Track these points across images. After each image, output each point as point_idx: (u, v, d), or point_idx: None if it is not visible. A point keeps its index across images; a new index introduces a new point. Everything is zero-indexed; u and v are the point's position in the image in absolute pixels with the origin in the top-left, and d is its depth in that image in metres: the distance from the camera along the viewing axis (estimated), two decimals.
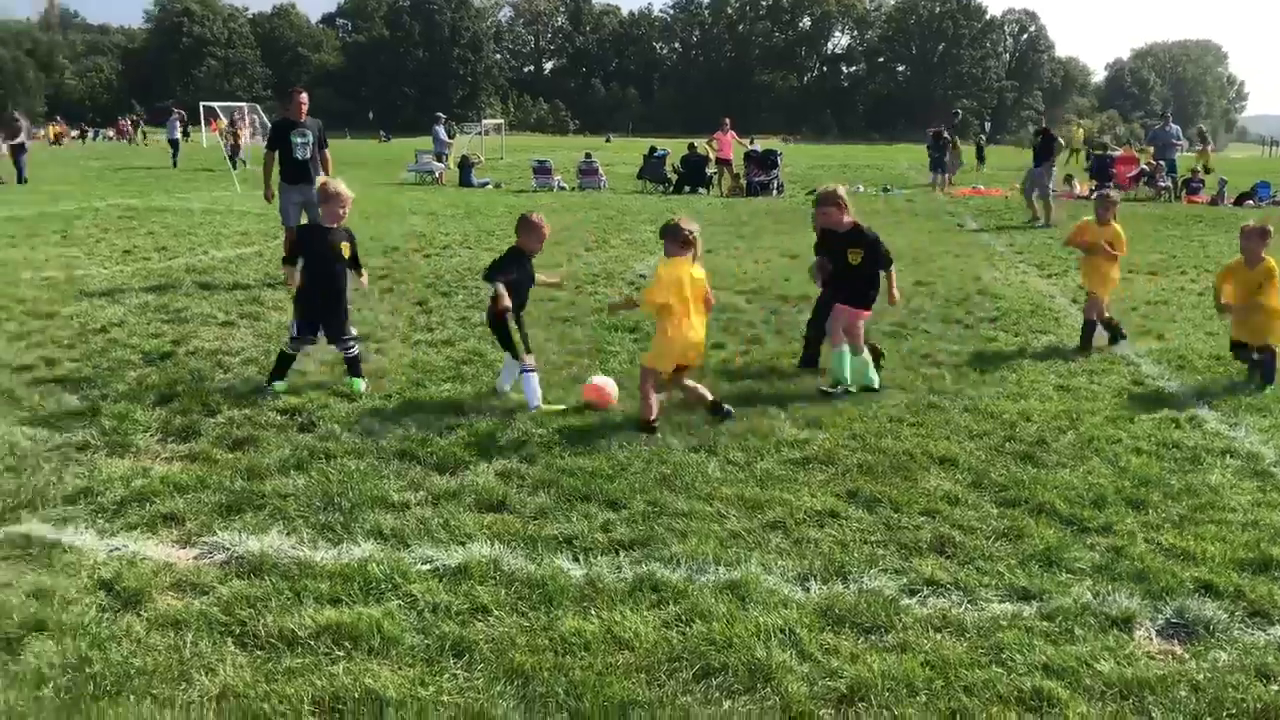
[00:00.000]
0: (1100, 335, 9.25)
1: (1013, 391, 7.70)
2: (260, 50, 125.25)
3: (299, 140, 11.54)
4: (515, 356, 7.21)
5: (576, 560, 4.68)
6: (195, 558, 4.68)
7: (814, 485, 5.68)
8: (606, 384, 7.20)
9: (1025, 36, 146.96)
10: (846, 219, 7.74)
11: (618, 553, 4.76)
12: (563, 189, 29.38)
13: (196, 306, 10.38)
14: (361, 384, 7.37)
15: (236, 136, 37.14)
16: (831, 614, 4.18)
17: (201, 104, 46.53)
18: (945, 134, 30.56)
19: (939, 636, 4.03)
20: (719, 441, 6.36)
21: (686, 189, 28.59)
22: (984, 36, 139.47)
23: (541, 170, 30.44)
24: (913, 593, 4.43)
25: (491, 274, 7.18)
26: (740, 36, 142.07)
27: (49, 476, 5.59)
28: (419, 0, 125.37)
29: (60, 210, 20.07)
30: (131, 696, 3.50)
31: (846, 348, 7.54)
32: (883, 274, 7.72)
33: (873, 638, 4.02)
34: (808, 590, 4.42)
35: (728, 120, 28.36)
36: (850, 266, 7.70)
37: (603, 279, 12.77)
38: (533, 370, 7.15)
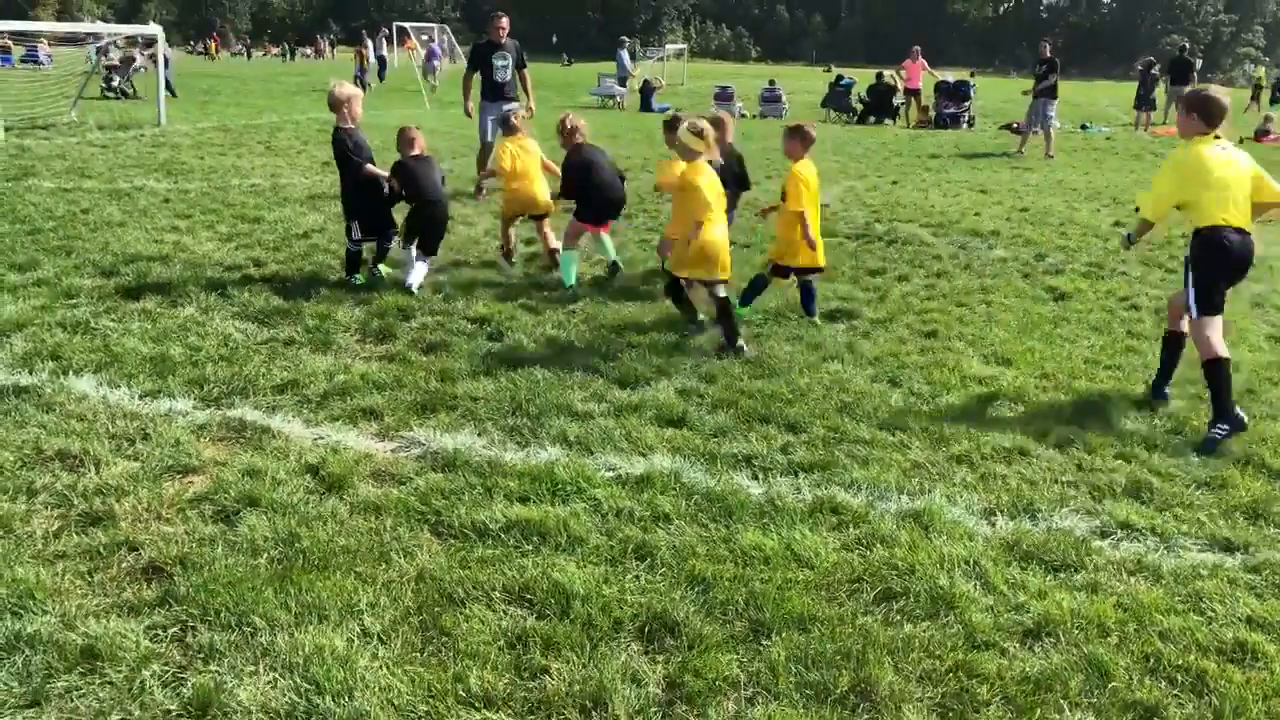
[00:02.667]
0: None
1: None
2: None
3: (499, 63, 12.17)
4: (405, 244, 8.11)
5: (756, 479, 4.70)
6: (393, 450, 4.92)
7: (1002, 422, 5.51)
8: None
9: None
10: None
11: (797, 474, 4.75)
12: (743, 116, 29.01)
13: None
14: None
15: (363, 57, 36.35)
16: (1018, 549, 4.08)
17: (395, 24, 47.78)
18: (1155, 70, 28.60)
19: (1133, 580, 3.89)
20: (903, 374, 6.25)
21: (872, 119, 27.80)
22: None
23: (723, 96, 30.12)
24: (1105, 535, 4.28)
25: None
26: None
27: (259, 368, 5.96)
28: None
29: (264, 123, 21.09)
30: (337, 572, 3.73)
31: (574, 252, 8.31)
32: None
33: (1061, 576, 3.91)
34: (994, 525, 4.32)
35: (917, 49, 27.22)
36: None
37: None
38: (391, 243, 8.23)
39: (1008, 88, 54.56)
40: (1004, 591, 3.75)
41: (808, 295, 7.42)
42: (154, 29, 22.66)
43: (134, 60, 28.40)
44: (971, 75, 35.14)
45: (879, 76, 28.93)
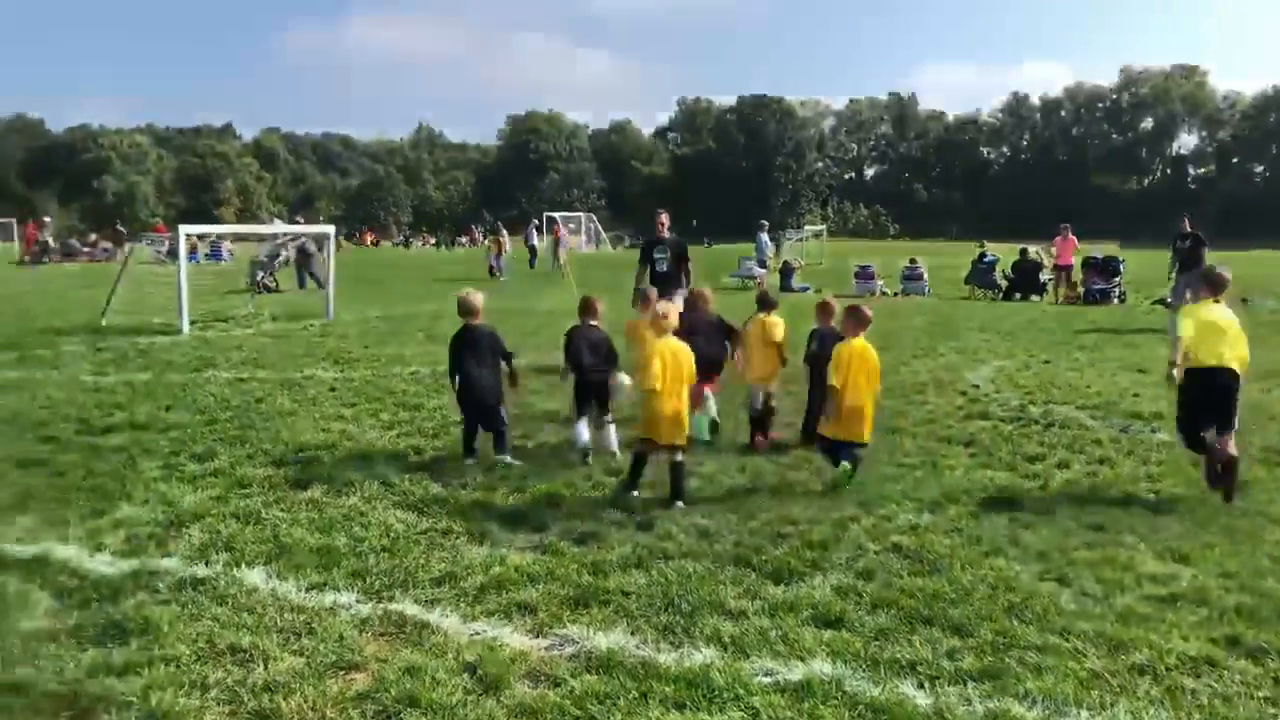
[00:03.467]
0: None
1: None
2: (597, 163, 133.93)
3: (659, 255, 13.38)
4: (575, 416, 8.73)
5: (922, 688, 4.49)
6: (547, 648, 4.91)
7: (1184, 627, 5.16)
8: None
9: None
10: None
11: (966, 684, 4.53)
12: (884, 294, 29.11)
13: (543, 404, 11.08)
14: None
15: (500, 245, 37.83)
16: None
17: (544, 214, 50.26)
18: None
19: None
20: (1072, 571, 5.96)
21: (1017, 295, 27.51)
22: None
23: (863, 275, 30.39)
24: None
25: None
26: (1074, 139, 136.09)
27: (419, 559, 6.09)
28: (745, 113, 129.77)
29: (423, 311, 22.18)
30: None
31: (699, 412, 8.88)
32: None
33: None
34: None
35: (1066, 226, 27.07)
36: None
37: (932, 387, 12.43)
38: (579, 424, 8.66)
39: (1159, 261, 53.39)
40: None
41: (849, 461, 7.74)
42: (326, 228, 24.35)
43: (278, 255, 29.42)
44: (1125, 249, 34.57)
45: (1023, 253, 28.78)
